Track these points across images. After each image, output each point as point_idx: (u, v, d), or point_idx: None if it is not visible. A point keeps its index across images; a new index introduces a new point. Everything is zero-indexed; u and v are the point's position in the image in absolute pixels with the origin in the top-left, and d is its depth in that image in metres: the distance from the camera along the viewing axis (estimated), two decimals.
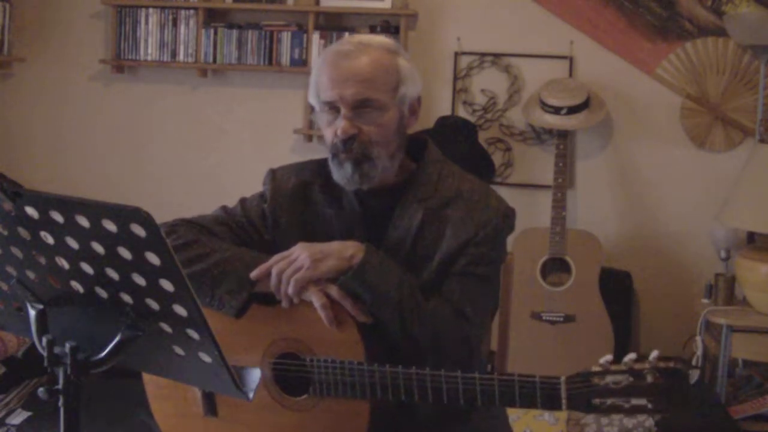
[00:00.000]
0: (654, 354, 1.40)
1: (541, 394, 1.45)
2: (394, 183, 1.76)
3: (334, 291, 1.61)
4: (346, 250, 1.64)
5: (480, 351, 1.84)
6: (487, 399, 1.50)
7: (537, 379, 1.46)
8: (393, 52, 1.72)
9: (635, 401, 1.39)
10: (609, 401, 1.40)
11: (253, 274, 1.66)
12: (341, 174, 1.70)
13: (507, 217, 1.75)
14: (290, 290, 1.62)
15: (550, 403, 1.45)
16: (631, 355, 1.41)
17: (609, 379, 1.39)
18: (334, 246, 1.66)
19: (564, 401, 1.44)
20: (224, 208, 1.85)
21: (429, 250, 1.71)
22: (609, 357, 1.43)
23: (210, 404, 1.72)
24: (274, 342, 1.65)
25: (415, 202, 1.72)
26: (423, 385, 1.53)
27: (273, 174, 1.85)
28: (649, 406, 1.38)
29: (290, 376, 1.65)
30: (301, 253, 1.64)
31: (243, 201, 1.86)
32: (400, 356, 1.60)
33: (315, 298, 1.61)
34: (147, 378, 1.81)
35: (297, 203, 1.80)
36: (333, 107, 1.68)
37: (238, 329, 1.68)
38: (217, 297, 1.67)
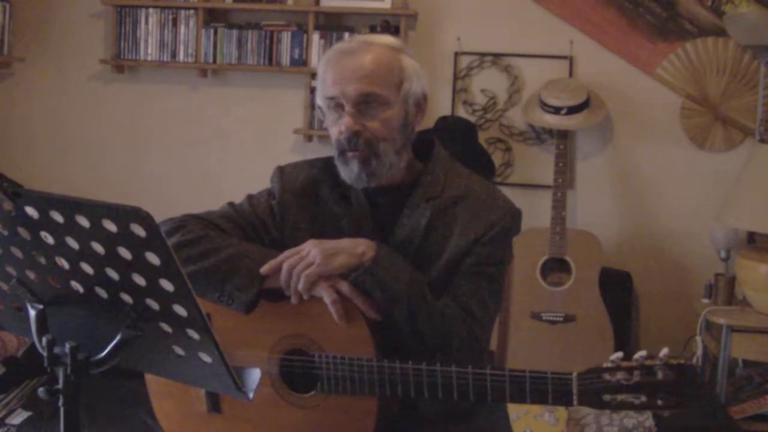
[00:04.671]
0: (664, 351, 1.41)
1: (553, 390, 1.46)
2: (402, 182, 1.76)
3: (344, 287, 1.61)
4: (357, 247, 1.64)
5: (487, 351, 1.84)
6: (498, 395, 1.50)
7: (549, 374, 1.46)
8: (396, 49, 1.73)
9: (645, 397, 1.40)
10: (620, 397, 1.41)
11: (264, 269, 1.65)
12: (348, 172, 1.71)
13: (514, 217, 1.76)
14: (301, 286, 1.61)
15: (562, 398, 1.46)
16: (642, 353, 1.42)
17: (620, 375, 1.40)
18: (345, 243, 1.66)
19: (575, 397, 1.44)
20: (231, 204, 1.85)
21: (437, 249, 1.71)
22: (620, 354, 1.43)
23: (214, 401, 1.72)
24: (282, 338, 1.65)
25: (423, 201, 1.73)
26: (433, 381, 1.53)
27: (281, 171, 1.86)
28: (660, 402, 1.39)
29: (297, 373, 1.65)
30: (312, 249, 1.64)
31: (250, 198, 1.85)
32: (408, 353, 1.60)
33: (326, 294, 1.60)
34: (149, 376, 1.81)
35: (305, 201, 1.80)
36: (337, 104, 1.69)
37: (246, 325, 1.68)
38: (227, 293, 1.66)
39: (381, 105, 1.68)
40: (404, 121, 1.72)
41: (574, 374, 1.44)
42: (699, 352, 3.66)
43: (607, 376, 1.41)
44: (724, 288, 3.67)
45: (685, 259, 4.08)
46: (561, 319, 3.78)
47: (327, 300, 1.60)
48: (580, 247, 3.81)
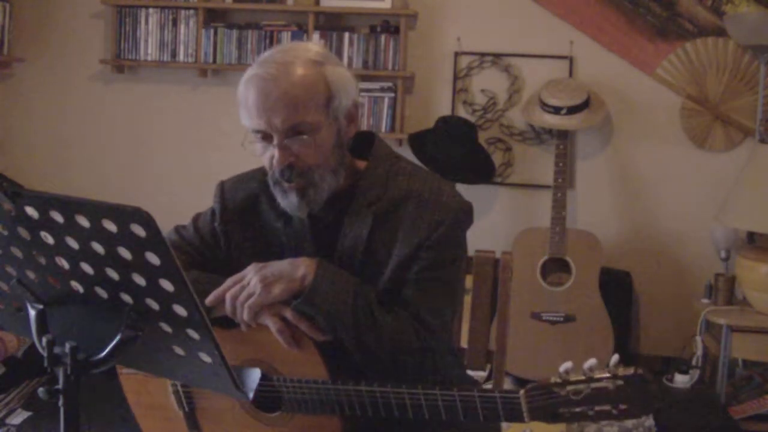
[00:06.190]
0: (613, 359, 1.39)
1: (503, 408, 1.44)
2: (343, 188, 1.68)
3: (288, 314, 1.59)
4: (297, 270, 1.60)
5: (452, 356, 1.81)
6: (451, 414, 1.49)
7: (497, 394, 1.45)
8: (319, 62, 1.61)
9: (599, 408, 1.38)
10: (573, 410, 1.39)
11: (208, 300, 1.63)
12: (287, 203, 1.65)
13: (462, 213, 1.67)
14: (245, 317, 1.59)
15: (513, 416, 1.44)
16: (591, 362, 1.39)
17: (569, 389, 1.38)
18: (286, 267, 1.61)
19: (525, 414, 1.43)
20: (177, 229, 1.83)
21: (382, 257, 1.65)
22: (569, 365, 1.39)
23: (193, 421, 1.73)
24: (241, 363, 1.65)
25: (365, 206, 1.66)
26: (387, 402, 1.51)
27: (222, 188, 1.83)
28: (614, 411, 1.38)
29: (263, 395, 1.64)
30: (252, 277, 1.60)
31: (195, 219, 1.83)
32: (362, 372, 1.59)
33: (270, 323, 1.58)
34: (132, 400, 1.82)
35: (246, 217, 1.77)
36: (265, 135, 1.61)
37: None
38: None
39: (311, 132, 1.58)
40: (337, 139, 1.64)
41: (522, 392, 1.42)
42: (699, 352, 3.66)
43: (556, 390, 1.39)
44: (724, 288, 3.67)
45: (685, 259, 4.08)
46: (561, 319, 3.78)
47: (273, 329, 1.58)
48: (580, 247, 3.81)
